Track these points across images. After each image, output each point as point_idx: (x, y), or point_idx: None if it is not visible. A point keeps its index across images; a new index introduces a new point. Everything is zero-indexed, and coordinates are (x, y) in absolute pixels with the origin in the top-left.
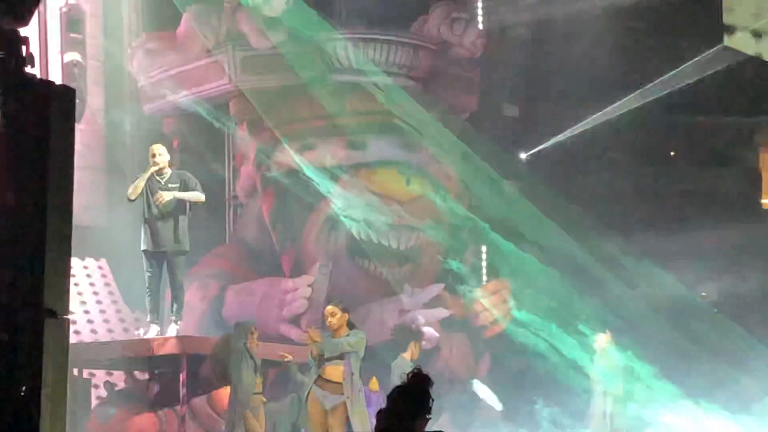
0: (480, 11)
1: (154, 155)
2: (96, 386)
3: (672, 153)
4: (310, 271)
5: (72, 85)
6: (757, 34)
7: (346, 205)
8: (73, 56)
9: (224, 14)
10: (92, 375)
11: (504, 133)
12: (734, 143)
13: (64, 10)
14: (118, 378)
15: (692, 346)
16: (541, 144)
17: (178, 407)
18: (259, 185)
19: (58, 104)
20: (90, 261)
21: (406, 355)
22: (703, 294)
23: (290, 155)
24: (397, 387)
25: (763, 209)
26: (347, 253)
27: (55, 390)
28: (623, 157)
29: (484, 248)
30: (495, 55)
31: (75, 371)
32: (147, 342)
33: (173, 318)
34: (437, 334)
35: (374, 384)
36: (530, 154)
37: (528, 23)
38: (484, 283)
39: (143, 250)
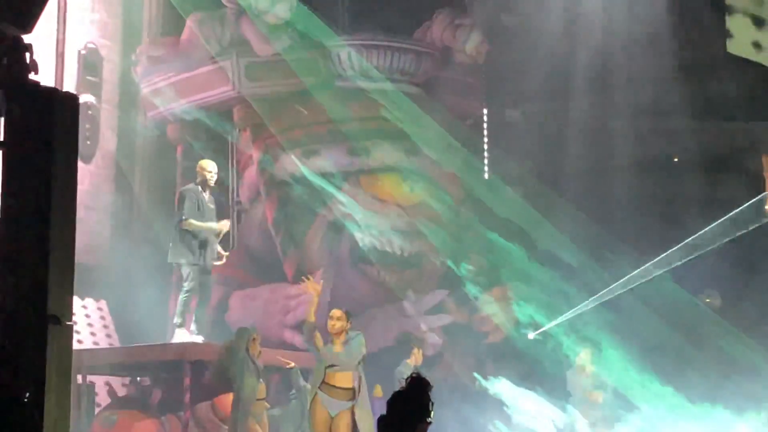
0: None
1: (210, 172)
2: (99, 392)
3: (675, 159)
4: (314, 277)
5: (85, 126)
6: (758, 21)
7: (349, 210)
8: (88, 98)
9: (228, 21)
10: (95, 381)
11: (508, 138)
12: (738, 148)
13: (82, 52)
14: (122, 384)
15: (693, 351)
16: (544, 149)
17: (181, 413)
18: (263, 191)
19: (62, 111)
20: (89, 301)
21: (410, 362)
22: (707, 300)
23: (293, 161)
24: (397, 392)
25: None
26: (350, 259)
27: (59, 396)
28: (625, 162)
29: (487, 254)
30: (497, 60)
31: (79, 377)
32: (150, 348)
33: (194, 328)
34: (440, 341)
35: (378, 391)
36: (534, 160)
37: (531, 27)
38: (488, 288)
39: (194, 264)
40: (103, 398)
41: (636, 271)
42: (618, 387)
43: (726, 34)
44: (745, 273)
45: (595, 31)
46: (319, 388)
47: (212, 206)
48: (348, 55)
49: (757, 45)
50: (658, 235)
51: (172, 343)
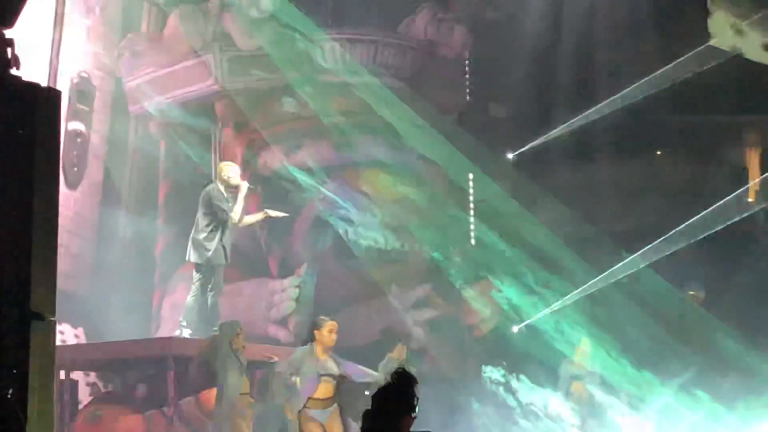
0: (466, 11)
1: (230, 176)
2: (83, 388)
3: (658, 152)
4: (298, 271)
5: (73, 153)
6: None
7: (333, 205)
8: (77, 126)
9: (210, 15)
10: (79, 377)
11: (492, 132)
12: (721, 142)
13: (75, 80)
14: (106, 380)
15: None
16: (528, 143)
17: (165, 409)
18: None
19: (44, 107)
20: (66, 327)
21: (394, 356)
22: (691, 293)
23: (277, 156)
24: (382, 387)
25: (750, 207)
26: (334, 253)
27: (42, 392)
28: (609, 156)
29: (472, 248)
30: (482, 54)
31: (62, 373)
32: (134, 343)
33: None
34: (425, 335)
35: None
36: (518, 154)
37: (514, 21)
38: (473, 282)
39: (219, 264)
40: (86, 394)
41: (620, 264)
42: (606, 378)
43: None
44: (729, 266)
45: (579, 24)
46: (306, 405)
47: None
48: (331, 49)
49: (738, 31)
50: (643, 228)
51: (156, 339)
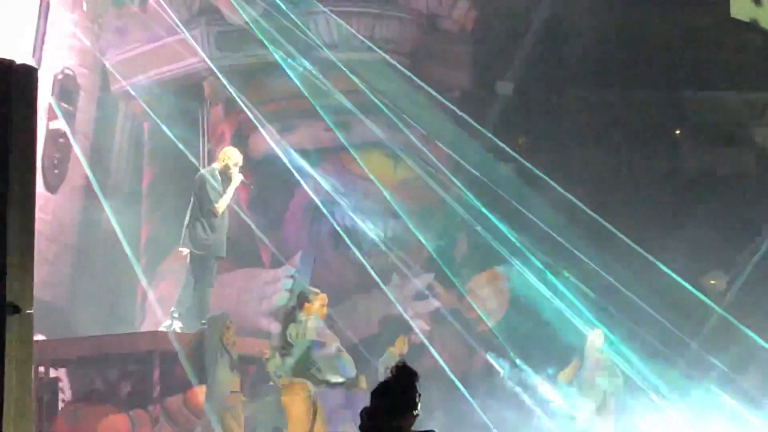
0: None
1: (235, 163)
2: (63, 386)
3: (677, 131)
4: (292, 261)
5: (54, 154)
6: None
7: (328, 190)
8: (60, 125)
9: None
10: (59, 374)
11: (497, 111)
12: (744, 121)
13: (58, 77)
14: (87, 376)
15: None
16: (537, 123)
17: (150, 407)
18: None
19: (19, 85)
20: (40, 338)
21: (394, 350)
22: (712, 282)
23: (269, 137)
24: (381, 383)
25: None
26: (331, 242)
27: (19, 390)
28: (624, 136)
29: (477, 234)
30: (486, 28)
31: (41, 369)
32: (118, 338)
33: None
34: (427, 327)
35: (362, 382)
36: (526, 134)
37: None
38: (478, 271)
39: (217, 256)
40: (68, 392)
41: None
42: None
43: None
44: (752, 251)
45: None
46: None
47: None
48: (327, 23)
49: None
50: (661, 213)
51: (140, 333)
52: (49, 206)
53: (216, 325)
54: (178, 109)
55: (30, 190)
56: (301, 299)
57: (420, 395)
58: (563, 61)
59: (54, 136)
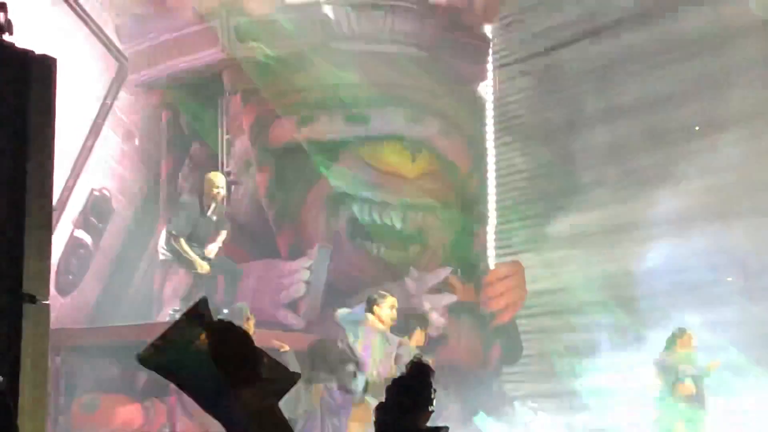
0: None
1: (217, 187)
2: (79, 375)
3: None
4: (309, 252)
5: (72, 261)
6: None
7: (347, 182)
8: (83, 236)
9: None
10: (75, 362)
11: (519, 104)
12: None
13: (95, 193)
14: (104, 366)
15: None
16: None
17: (167, 398)
18: (255, 161)
19: (37, 74)
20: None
21: (411, 344)
22: (729, 279)
23: (288, 128)
24: (396, 378)
25: None
26: (349, 233)
27: (35, 380)
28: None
29: (496, 227)
30: (508, 21)
31: (57, 359)
32: (134, 328)
33: None
34: (444, 321)
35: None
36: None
37: None
38: (497, 265)
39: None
40: (83, 381)
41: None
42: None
43: None
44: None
45: None
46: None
47: (214, 218)
48: (347, 15)
49: None
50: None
51: (158, 323)
52: (56, 305)
53: (236, 317)
54: (197, 99)
55: (48, 185)
56: (369, 303)
57: (435, 391)
58: (588, 54)
59: (76, 244)
